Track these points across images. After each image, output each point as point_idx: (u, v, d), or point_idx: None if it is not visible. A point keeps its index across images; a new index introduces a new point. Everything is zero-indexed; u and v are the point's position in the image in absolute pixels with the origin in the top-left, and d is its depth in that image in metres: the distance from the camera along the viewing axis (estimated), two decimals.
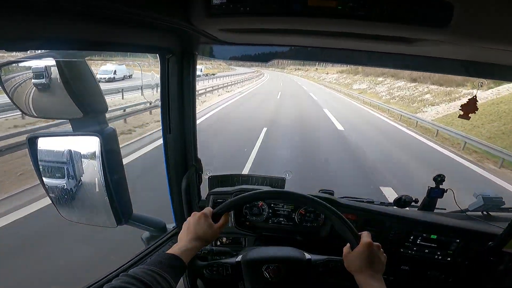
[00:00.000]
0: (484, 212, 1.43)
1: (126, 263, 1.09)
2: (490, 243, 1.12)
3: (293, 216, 1.32)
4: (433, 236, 1.17)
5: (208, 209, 0.91)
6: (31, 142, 0.86)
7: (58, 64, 0.72)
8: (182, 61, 1.02)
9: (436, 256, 1.19)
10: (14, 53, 0.57)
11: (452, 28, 0.60)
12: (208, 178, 1.49)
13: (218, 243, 1.34)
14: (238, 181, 1.54)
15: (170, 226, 1.33)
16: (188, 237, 0.84)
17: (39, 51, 0.70)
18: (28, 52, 0.66)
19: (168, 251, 0.78)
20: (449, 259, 1.18)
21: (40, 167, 0.88)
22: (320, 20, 0.65)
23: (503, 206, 1.41)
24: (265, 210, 1.34)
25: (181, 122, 1.11)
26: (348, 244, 0.87)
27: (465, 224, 1.22)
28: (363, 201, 1.45)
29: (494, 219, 1.36)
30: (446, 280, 1.21)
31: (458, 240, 1.16)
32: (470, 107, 1.14)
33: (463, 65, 0.94)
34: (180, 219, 1.30)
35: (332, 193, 1.40)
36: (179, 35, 0.94)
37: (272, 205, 1.33)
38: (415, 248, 1.19)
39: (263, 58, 1.14)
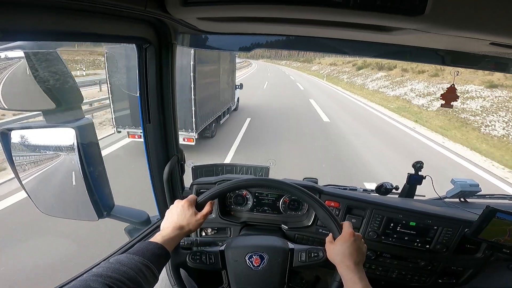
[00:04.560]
0: (461, 199, 1.48)
1: (109, 256, 1.09)
2: (466, 230, 1.15)
3: (278, 204, 1.33)
4: (412, 223, 1.19)
5: (192, 197, 0.90)
6: (4, 136, 0.84)
7: (27, 55, 0.70)
8: (160, 51, 0.99)
9: (415, 244, 1.21)
10: None
11: (426, 16, 0.61)
12: (192, 168, 1.48)
13: (203, 234, 1.34)
14: (222, 170, 1.54)
15: (154, 218, 1.33)
16: (171, 226, 0.84)
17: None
18: None
19: (151, 240, 0.78)
20: (427, 246, 1.20)
21: (15, 161, 0.86)
22: (298, 8, 0.65)
23: (479, 193, 1.46)
24: (250, 199, 1.34)
25: (160, 112, 1.09)
26: (330, 234, 0.89)
27: (443, 211, 1.24)
28: (346, 189, 1.48)
29: (471, 206, 1.40)
30: (425, 267, 1.24)
31: (435, 227, 1.18)
32: (450, 96, 1.18)
33: (440, 54, 0.96)
34: (163, 210, 1.29)
35: (316, 181, 1.42)
36: (155, 24, 0.91)
37: (256, 194, 1.34)
38: (395, 236, 1.22)
39: (244, 48, 1.12)
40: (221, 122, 8.50)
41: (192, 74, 5.58)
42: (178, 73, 4.60)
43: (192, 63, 5.53)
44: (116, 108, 5.83)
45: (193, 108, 5.81)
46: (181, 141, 5.31)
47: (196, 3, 0.67)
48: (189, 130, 5.98)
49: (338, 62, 42.80)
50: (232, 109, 10.07)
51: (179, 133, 4.69)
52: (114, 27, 0.76)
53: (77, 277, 0.93)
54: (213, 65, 7.16)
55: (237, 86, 10.34)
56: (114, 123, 5.91)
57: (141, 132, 4.48)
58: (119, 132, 5.97)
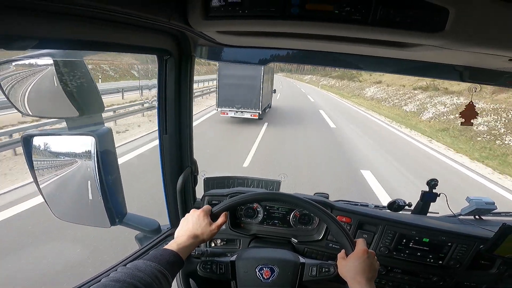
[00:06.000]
0: (477, 216, 1.45)
1: (119, 263, 1.08)
2: (482, 246, 1.13)
3: (288, 218, 1.32)
4: (426, 240, 1.18)
5: (207, 207, 0.91)
6: (26, 141, 0.86)
7: (56, 63, 0.72)
8: (179, 62, 1.02)
9: (428, 260, 1.19)
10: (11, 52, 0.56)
11: (446, 33, 0.61)
12: (204, 179, 1.49)
13: (213, 244, 1.34)
14: (234, 183, 1.54)
15: (165, 227, 1.32)
16: (186, 234, 0.84)
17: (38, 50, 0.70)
18: (27, 50, 0.66)
19: (166, 247, 0.78)
20: (440, 262, 1.18)
21: (35, 166, 0.88)
22: (317, 24, 0.66)
23: (495, 211, 1.43)
24: (260, 212, 1.34)
25: (177, 123, 1.11)
26: (342, 250, 0.88)
27: (457, 227, 1.23)
28: (357, 205, 1.46)
29: (486, 223, 1.37)
30: (438, 282, 1.21)
31: (450, 244, 1.16)
32: (470, 113, 1.17)
33: (458, 70, 0.96)
34: (174, 220, 1.30)
35: (327, 196, 1.41)
36: (177, 36, 0.94)
37: (267, 207, 1.34)
38: (407, 251, 1.20)
39: (261, 61, 1.14)
40: (266, 111, 13.68)
41: (261, 79, 10.97)
42: (250, 78, 11.13)
43: (262, 73, 10.85)
44: (219, 97, 11.25)
45: (260, 97, 11.04)
46: (248, 116, 11.55)
47: (217, 17, 0.69)
48: (257, 109, 11.19)
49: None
50: (269, 106, 15.25)
51: (247, 110, 11.45)
52: (138, 38, 0.78)
53: (93, 279, 0.93)
54: (267, 75, 12.20)
55: (272, 91, 15.90)
56: (216, 105, 11.36)
57: (229, 110, 11.54)
58: (216, 110, 11.53)
